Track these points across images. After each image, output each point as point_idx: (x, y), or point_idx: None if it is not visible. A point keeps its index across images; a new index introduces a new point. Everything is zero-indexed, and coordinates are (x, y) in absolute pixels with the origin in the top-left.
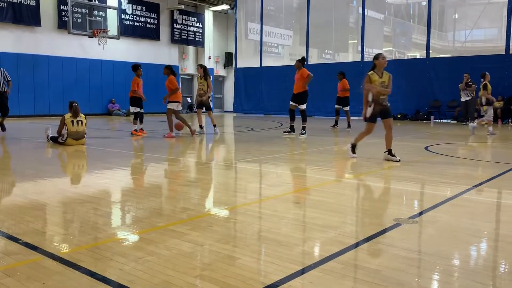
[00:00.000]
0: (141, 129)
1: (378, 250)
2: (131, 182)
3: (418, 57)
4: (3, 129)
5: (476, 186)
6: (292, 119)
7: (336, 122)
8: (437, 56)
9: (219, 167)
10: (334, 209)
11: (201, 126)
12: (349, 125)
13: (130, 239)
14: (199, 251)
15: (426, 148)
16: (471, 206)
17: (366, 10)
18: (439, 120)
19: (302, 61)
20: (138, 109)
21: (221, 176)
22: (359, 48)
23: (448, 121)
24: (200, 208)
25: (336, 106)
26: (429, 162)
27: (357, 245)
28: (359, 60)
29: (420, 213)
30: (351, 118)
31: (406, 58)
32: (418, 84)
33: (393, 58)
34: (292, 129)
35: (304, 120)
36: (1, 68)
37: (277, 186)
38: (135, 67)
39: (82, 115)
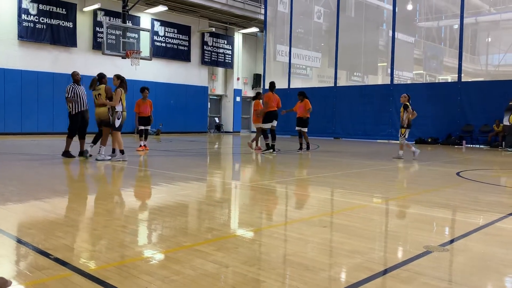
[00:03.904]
0: (145, 145)
1: (407, 278)
2: (158, 201)
3: (449, 80)
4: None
5: (510, 214)
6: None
7: (306, 144)
8: (469, 80)
9: (244, 188)
10: (362, 234)
11: (121, 151)
12: (308, 147)
13: (156, 258)
14: (225, 272)
15: (457, 173)
16: (504, 235)
17: (396, 33)
18: (471, 145)
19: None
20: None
21: (246, 196)
22: (389, 71)
23: (481, 146)
24: (226, 229)
25: (297, 128)
26: (460, 188)
27: (385, 272)
28: (389, 83)
29: (451, 241)
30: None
31: (437, 81)
32: (449, 108)
33: (424, 82)
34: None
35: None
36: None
37: (303, 208)
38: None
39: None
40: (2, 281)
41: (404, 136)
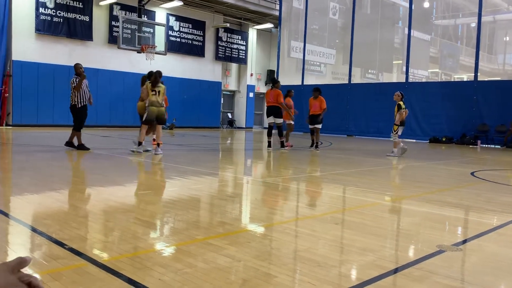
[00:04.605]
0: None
1: (419, 277)
2: (171, 194)
3: (465, 79)
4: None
5: None
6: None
7: (316, 142)
8: (486, 79)
9: (256, 183)
10: (374, 232)
11: (139, 143)
12: (317, 146)
13: (169, 250)
14: (237, 266)
15: (472, 173)
16: None
17: (412, 30)
18: (487, 145)
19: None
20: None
21: (258, 192)
22: (404, 69)
23: (497, 146)
24: (238, 223)
25: (311, 126)
26: (475, 188)
27: (397, 270)
28: (404, 81)
29: (464, 241)
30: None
31: (452, 80)
32: (464, 107)
33: (439, 80)
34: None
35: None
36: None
37: (315, 205)
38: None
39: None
40: (20, 260)
41: (397, 133)
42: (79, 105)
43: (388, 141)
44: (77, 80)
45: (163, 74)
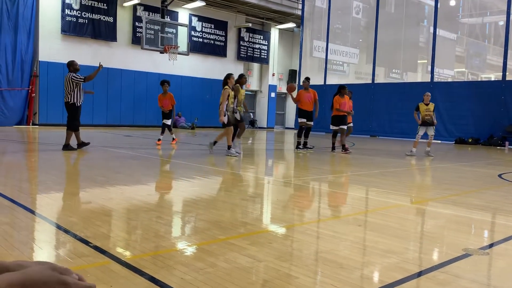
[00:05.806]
0: (173, 138)
1: (443, 280)
2: (193, 194)
3: (492, 79)
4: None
5: None
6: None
7: (343, 145)
8: None
9: (277, 184)
10: (398, 234)
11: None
12: (343, 147)
13: (191, 250)
14: (258, 266)
15: (499, 175)
16: None
17: (437, 29)
18: None
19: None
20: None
21: (279, 192)
22: (429, 68)
23: None
24: (259, 224)
25: (341, 127)
26: (502, 191)
27: (421, 273)
28: (429, 80)
29: (491, 245)
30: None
31: (479, 80)
32: (492, 107)
33: (466, 80)
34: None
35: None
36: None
37: (338, 206)
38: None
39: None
40: (67, 268)
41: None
42: (78, 103)
43: (412, 142)
44: (79, 76)
45: (186, 74)
